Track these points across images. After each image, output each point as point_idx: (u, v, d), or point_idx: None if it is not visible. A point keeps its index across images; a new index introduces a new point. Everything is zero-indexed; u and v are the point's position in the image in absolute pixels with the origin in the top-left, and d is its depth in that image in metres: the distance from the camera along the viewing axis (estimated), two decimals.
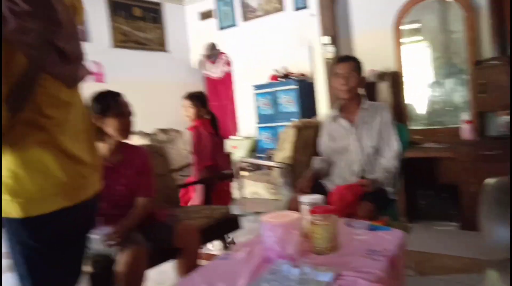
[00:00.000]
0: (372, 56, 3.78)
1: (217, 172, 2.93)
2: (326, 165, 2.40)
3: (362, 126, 2.32)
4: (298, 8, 5.41)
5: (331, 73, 2.55)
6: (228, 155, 3.91)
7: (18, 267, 1.13)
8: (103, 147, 1.97)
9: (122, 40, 5.96)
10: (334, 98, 3.90)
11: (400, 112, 3.74)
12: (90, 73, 1.66)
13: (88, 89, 1.59)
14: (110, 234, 1.77)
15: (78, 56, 1.18)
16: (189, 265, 1.91)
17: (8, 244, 1.12)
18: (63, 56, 1.10)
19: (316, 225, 1.50)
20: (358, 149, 2.29)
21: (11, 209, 1.06)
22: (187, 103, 3.14)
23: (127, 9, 6.03)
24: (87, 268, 1.75)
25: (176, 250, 1.97)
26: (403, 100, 3.80)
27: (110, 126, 1.94)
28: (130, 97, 6.03)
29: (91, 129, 1.27)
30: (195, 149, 2.97)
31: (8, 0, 0.96)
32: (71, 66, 1.14)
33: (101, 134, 1.95)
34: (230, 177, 2.98)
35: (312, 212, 1.54)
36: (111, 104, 1.95)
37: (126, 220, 1.88)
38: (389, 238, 1.58)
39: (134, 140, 2.76)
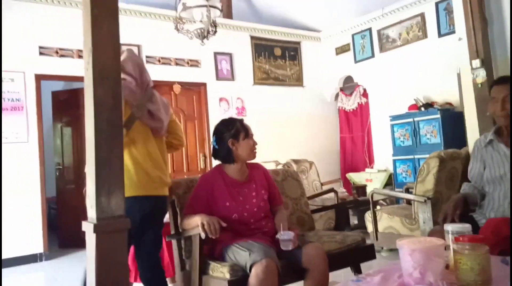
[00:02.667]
0: None
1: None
2: (476, 193, 2.12)
3: None
4: (443, 34, 5.10)
5: (487, 98, 2.25)
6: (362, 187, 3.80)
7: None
8: (233, 169, 2.16)
9: (263, 78, 6.46)
10: (484, 126, 3.49)
11: None
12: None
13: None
14: (295, 236, 1.94)
15: (160, 119, 2.18)
16: None
17: None
18: (152, 115, 2.14)
19: (462, 254, 1.34)
20: None
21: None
22: None
23: (269, 49, 6.54)
24: (225, 275, 1.89)
25: (304, 270, 1.98)
26: None
27: (243, 147, 2.13)
28: (267, 128, 6.43)
29: (166, 162, 2.27)
30: None
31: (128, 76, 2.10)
32: (156, 122, 2.16)
33: (229, 157, 2.14)
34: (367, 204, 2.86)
35: (457, 239, 1.39)
36: (241, 128, 2.16)
37: (286, 223, 2.09)
38: None
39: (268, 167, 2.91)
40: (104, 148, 1.55)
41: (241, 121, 2.21)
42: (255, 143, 2.19)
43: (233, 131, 2.14)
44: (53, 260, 4.57)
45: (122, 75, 2.00)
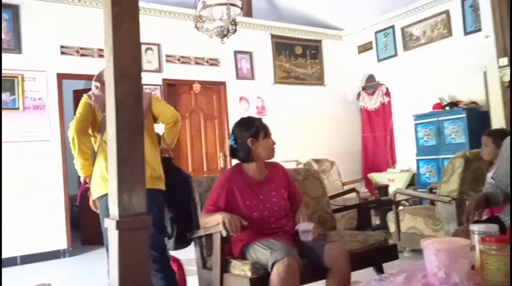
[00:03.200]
0: None
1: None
2: (499, 192, 2.05)
3: None
4: (469, 32, 4.97)
5: None
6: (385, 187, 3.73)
7: None
8: (252, 168, 2.16)
9: (283, 77, 6.43)
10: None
11: None
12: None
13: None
14: (314, 227, 1.97)
15: None
16: None
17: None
18: None
19: (489, 255, 1.30)
20: None
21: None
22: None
23: (290, 48, 6.51)
24: (247, 273, 1.89)
25: (326, 270, 1.96)
26: None
27: (263, 147, 2.12)
28: (287, 128, 6.40)
29: (155, 156, 2.28)
30: None
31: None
32: None
33: (248, 156, 2.14)
34: (389, 204, 2.82)
35: (484, 240, 1.34)
36: (260, 127, 2.14)
37: (306, 216, 2.11)
38: None
39: (289, 166, 2.89)
40: (125, 147, 1.56)
41: (259, 120, 2.20)
42: (274, 143, 2.18)
43: (253, 131, 2.13)
44: (76, 256, 4.68)
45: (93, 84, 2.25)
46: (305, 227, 1.97)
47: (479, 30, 4.73)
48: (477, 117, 4.55)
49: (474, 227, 1.49)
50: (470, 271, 1.33)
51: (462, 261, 1.30)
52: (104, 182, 2.15)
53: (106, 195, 2.12)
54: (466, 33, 5.10)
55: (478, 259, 1.37)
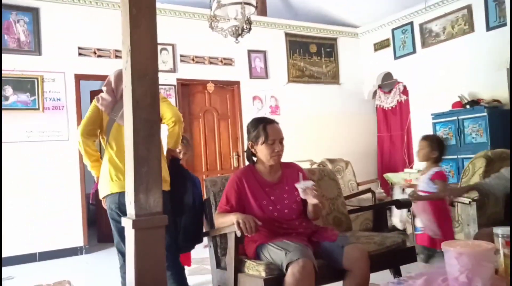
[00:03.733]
0: None
1: None
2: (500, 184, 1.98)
3: None
4: (492, 27, 4.84)
5: None
6: None
7: None
8: (263, 168, 2.15)
9: (297, 75, 6.39)
10: None
11: None
12: None
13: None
14: (314, 185, 1.97)
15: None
16: None
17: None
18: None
19: None
20: None
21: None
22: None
23: (305, 46, 6.46)
24: (261, 273, 1.88)
25: (344, 271, 1.93)
26: None
27: (261, 152, 2.11)
28: (302, 127, 6.35)
29: None
30: None
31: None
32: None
33: (250, 158, 2.17)
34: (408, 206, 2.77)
35: (508, 243, 1.30)
36: (262, 132, 2.10)
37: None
38: None
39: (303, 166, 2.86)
40: (142, 147, 1.57)
41: (266, 124, 2.12)
42: (278, 148, 2.09)
43: (254, 134, 2.13)
44: (93, 253, 4.75)
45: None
46: (303, 185, 1.97)
47: (503, 25, 4.61)
48: (499, 116, 4.43)
49: (499, 230, 1.45)
50: (494, 276, 1.29)
51: (486, 265, 1.26)
52: (108, 183, 2.21)
53: (109, 195, 2.20)
54: (489, 28, 4.96)
55: (502, 263, 1.34)
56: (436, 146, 2.81)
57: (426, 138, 2.92)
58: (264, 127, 2.10)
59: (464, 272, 1.26)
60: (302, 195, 2.01)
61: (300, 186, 2.00)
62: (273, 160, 2.11)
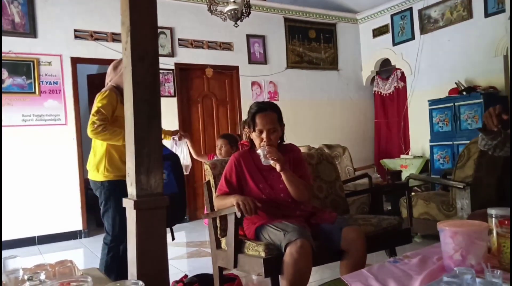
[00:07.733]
0: None
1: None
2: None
3: None
4: (490, 14, 4.82)
5: None
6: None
7: None
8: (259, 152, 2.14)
9: (296, 61, 6.36)
10: None
11: None
12: None
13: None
14: (270, 150, 1.98)
15: None
16: (353, 269, 1.87)
17: None
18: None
19: (506, 238, 1.30)
20: None
21: None
22: None
23: (304, 32, 6.42)
24: (261, 253, 1.91)
25: (341, 252, 1.97)
26: None
27: (254, 138, 2.12)
28: (300, 113, 6.33)
29: None
30: None
31: None
32: None
33: (251, 142, 2.19)
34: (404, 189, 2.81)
35: (502, 223, 1.34)
36: (250, 121, 2.11)
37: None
38: None
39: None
40: (143, 128, 1.58)
41: (255, 112, 2.09)
42: (266, 139, 2.07)
43: (248, 121, 2.16)
44: (92, 237, 4.78)
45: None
46: (261, 151, 2.00)
47: (502, 11, 4.60)
48: (495, 102, 4.37)
49: (492, 211, 1.48)
50: (487, 254, 1.33)
51: (479, 243, 1.30)
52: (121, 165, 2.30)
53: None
54: (487, 14, 4.95)
55: (495, 242, 1.37)
56: (234, 144, 3.27)
57: (224, 136, 3.47)
58: (253, 116, 2.10)
59: (458, 250, 1.29)
60: (264, 162, 2.01)
61: (259, 151, 2.02)
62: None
